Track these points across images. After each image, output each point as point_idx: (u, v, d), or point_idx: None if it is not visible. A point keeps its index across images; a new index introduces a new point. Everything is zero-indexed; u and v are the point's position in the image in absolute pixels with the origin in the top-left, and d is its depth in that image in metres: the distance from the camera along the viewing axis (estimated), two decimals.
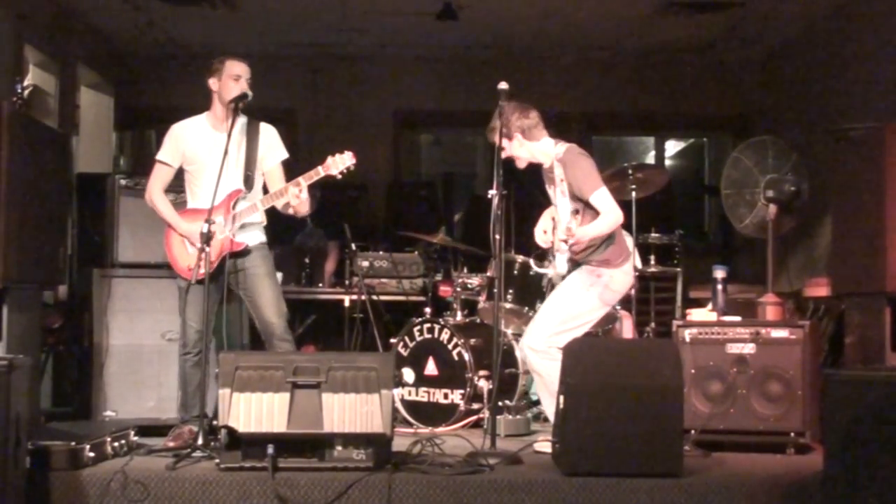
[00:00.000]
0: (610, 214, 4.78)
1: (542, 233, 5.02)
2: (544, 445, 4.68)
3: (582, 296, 4.89)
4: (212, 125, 4.97)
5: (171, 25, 8.27)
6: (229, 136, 4.79)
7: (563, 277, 4.91)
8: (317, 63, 9.20)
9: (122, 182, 5.70)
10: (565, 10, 7.68)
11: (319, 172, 4.83)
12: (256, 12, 7.85)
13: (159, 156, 5.02)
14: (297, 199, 4.79)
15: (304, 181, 4.80)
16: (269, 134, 5.04)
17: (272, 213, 5.02)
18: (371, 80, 9.26)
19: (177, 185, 5.10)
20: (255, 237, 4.97)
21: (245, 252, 4.91)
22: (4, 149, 4.61)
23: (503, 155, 4.78)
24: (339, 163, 4.83)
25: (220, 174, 4.72)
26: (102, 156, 8.50)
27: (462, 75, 9.11)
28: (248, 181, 4.93)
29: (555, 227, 4.88)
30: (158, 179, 5.01)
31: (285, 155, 5.04)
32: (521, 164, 4.96)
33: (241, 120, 4.99)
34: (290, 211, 4.93)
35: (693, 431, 4.82)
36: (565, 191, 4.78)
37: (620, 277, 4.96)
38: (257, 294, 4.91)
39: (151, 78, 9.12)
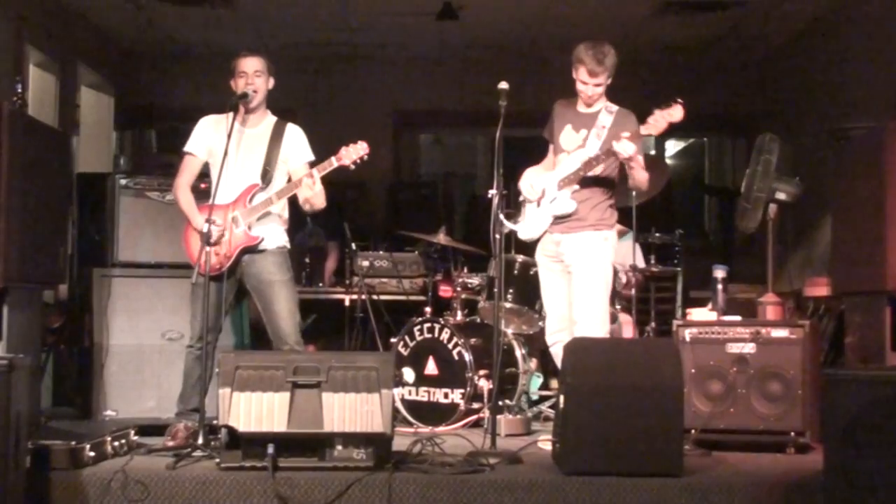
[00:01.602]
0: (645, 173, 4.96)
1: (530, 187, 5.03)
2: (547, 445, 4.70)
3: (604, 266, 4.96)
4: (238, 122, 4.93)
5: (171, 25, 8.27)
6: (229, 136, 4.77)
7: (567, 215, 4.92)
8: (317, 63, 9.20)
9: (122, 182, 5.69)
10: (565, 10, 7.68)
11: (333, 163, 4.83)
12: (256, 12, 7.86)
13: (186, 147, 5.00)
14: (310, 189, 4.79)
15: (318, 172, 4.81)
16: (295, 135, 5.03)
17: None
18: (371, 80, 9.26)
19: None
20: (273, 236, 4.94)
21: (262, 250, 4.89)
22: (4, 149, 4.61)
23: (599, 89, 4.90)
24: (353, 153, 4.84)
25: (221, 172, 4.72)
26: (102, 156, 8.50)
27: (462, 75, 9.11)
28: (266, 176, 4.92)
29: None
30: (185, 172, 4.98)
31: (311, 157, 5.02)
32: (595, 97, 4.95)
33: (270, 119, 5.01)
34: (307, 206, 4.93)
35: (693, 431, 4.82)
36: (601, 135, 4.89)
37: (615, 234, 5.11)
38: (272, 302, 4.88)
39: (151, 77, 9.13)
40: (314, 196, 4.83)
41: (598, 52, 4.85)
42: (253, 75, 4.89)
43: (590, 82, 4.88)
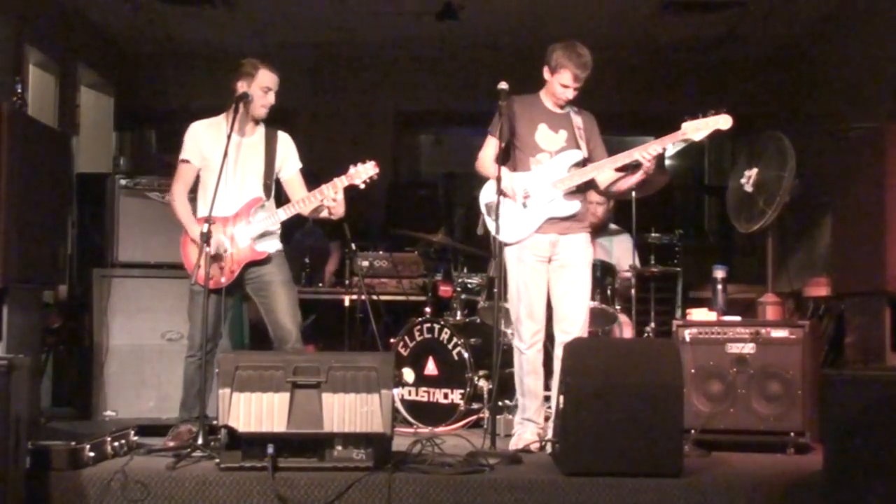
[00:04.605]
0: None
1: (511, 189, 4.93)
2: (526, 439, 4.81)
3: (591, 269, 5.02)
4: (235, 129, 4.87)
5: (171, 25, 8.27)
6: (229, 137, 4.75)
7: (570, 216, 4.92)
8: (317, 63, 9.20)
9: (122, 182, 5.70)
10: (565, 10, 7.68)
11: (344, 182, 4.82)
12: (256, 12, 7.85)
13: (183, 155, 4.94)
14: (333, 201, 4.80)
15: (340, 184, 4.81)
16: (286, 142, 5.02)
17: None
18: (371, 80, 9.25)
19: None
20: (273, 245, 4.95)
21: (265, 259, 4.89)
22: (4, 149, 4.61)
23: (577, 92, 4.92)
24: (363, 172, 4.85)
25: (220, 175, 4.70)
26: (102, 156, 8.49)
27: (462, 75, 9.10)
28: (268, 189, 4.91)
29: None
30: (182, 179, 4.93)
31: (300, 164, 5.04)
32: (573, 96, 4.97)
33: (259, 129, 4.97)
34: (324, 213, 4.93)
35: (693, 431, 4.83)
36: (581, 135, 4.93)
37: None
38: (274, 301, 4.88)
39: (151, 78, 9.12)
40: (336, 207, 4.85)
41: (580, 55, 4.86)
42: (273, 92, 4.89)
43: (572, 85, 4.88)
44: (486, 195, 5.06)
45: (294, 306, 4.92)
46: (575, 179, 4.89)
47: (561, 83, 4.88)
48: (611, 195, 5.54)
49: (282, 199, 5.04)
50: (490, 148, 5.04)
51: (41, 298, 5.34)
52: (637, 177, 4.92)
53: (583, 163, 4.95)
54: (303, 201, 4.87)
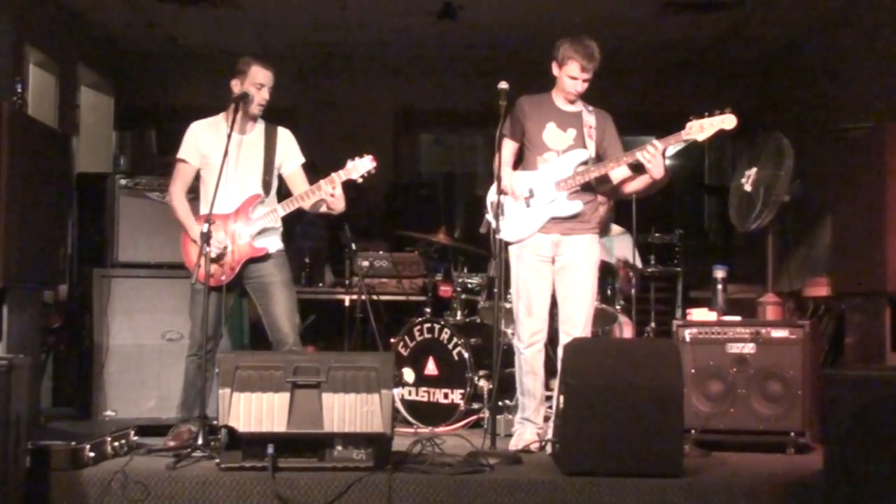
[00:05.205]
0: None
1: (512, 187, 4.94)
2: (525, 439, 4.80)
3: (596, 270, 4.98)
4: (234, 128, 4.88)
5: (172, 25, 8.27)
6: (229, 137, 4.75)
7: (572, 216, 4.89)
8: (317, 63, 9.20)
9: (122, 182, 5.69)
10: (565, 10, 7.68)
11: (341, 176, 4.82)
12: (257, 12, 7.86)
13: (180, 154, 4.94)
14: (331, 196, 4.79)
15: (338, 178, 4.80)
16: (286, 138, 5.01)
17: None
18: (371, 79, 9.25)
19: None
20: (274, 243, 4.95)
21: (265, 257, 4.89)
22: (4, 149, 4.60)
23: (587, 84, 4.89)
24: (360, 167, 4.84)
25: (221, 174, 4.70)
26: (102, 156, 8.50)
27: (462, 75, 9.11)
28: (267, 186, 4.91)
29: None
30: (180, 179, 4.93)
31: (303, 160, 5.03)
32: (581, 93, 4.94)
33: (261, 124, 4.97)
34: (324, 208, 4.92)
35: (693, 431, 4.83)
36: (592, 135, 4.91)
37: None
38: (272, 302, 4.87)
39: (152, 77, 9.13)
40: (334, 201, 4.84)
41: (586, 46, 4.84)
42: (267, 89, 4.88)
43: (580, 77, 4.86)
44: (493, 194, 5.06)
45: (292, 309, 4.91)
46: (577, 179, 4.88)
47: (569, 75, 4.86)
48: (617, 196, 5.53)
49: (283, 195, 5.03)
50: (502, 148, 5.04)
51: (41, 298, 5.34)
52: (644, 178, 4.90)
53: (590, 162, 4.94)
54: (302, 197, 4.87)
